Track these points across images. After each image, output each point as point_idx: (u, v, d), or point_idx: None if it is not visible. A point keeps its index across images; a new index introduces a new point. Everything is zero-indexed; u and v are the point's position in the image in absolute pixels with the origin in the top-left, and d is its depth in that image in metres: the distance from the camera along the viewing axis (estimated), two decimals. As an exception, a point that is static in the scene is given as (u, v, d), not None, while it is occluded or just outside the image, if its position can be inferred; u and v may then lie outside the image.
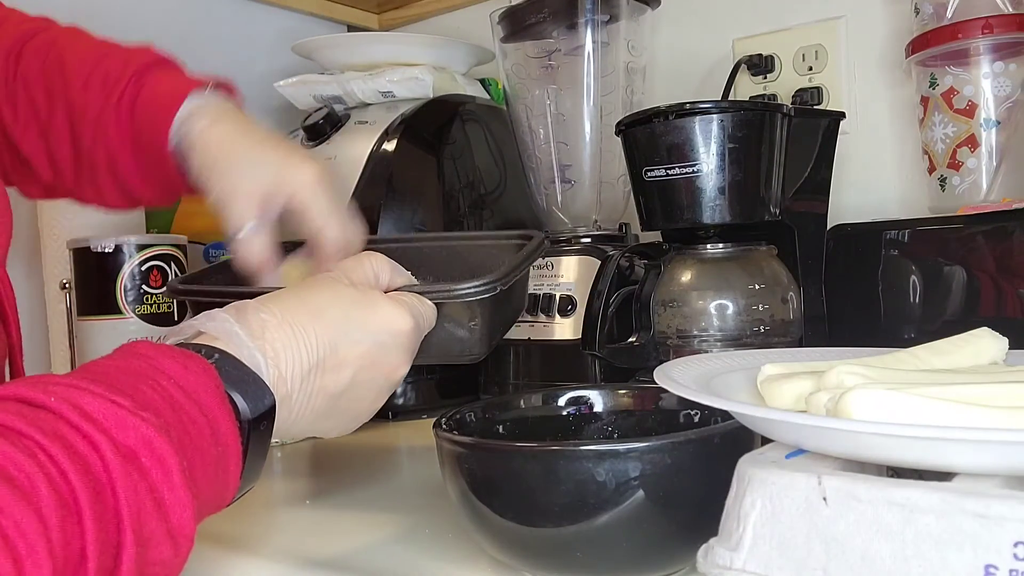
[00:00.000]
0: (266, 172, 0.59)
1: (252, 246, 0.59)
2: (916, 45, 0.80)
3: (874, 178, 0.97)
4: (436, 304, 0.53)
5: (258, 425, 0.41)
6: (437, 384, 0.93)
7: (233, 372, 0.41)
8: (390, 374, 0.49)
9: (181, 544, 0.35)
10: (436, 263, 0.68)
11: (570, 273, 0.86)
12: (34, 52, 0.64)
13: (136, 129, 0.61)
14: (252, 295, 0.47)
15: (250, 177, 0.59)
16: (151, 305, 0.89)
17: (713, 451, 0.41)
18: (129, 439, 0.33)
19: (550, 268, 0.87)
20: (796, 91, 1.00)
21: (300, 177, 0.59)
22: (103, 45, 0.64)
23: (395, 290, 0.53)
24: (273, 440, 0.43)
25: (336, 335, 0.46)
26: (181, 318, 0.91)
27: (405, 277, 0.55)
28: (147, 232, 1.01)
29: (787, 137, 0.71)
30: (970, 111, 0.79)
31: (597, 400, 0.56)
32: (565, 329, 0.85)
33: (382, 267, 0.53)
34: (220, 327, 0.43)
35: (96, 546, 0.31)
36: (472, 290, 0.54)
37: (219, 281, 0.64)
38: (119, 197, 0.66)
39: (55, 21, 0.67)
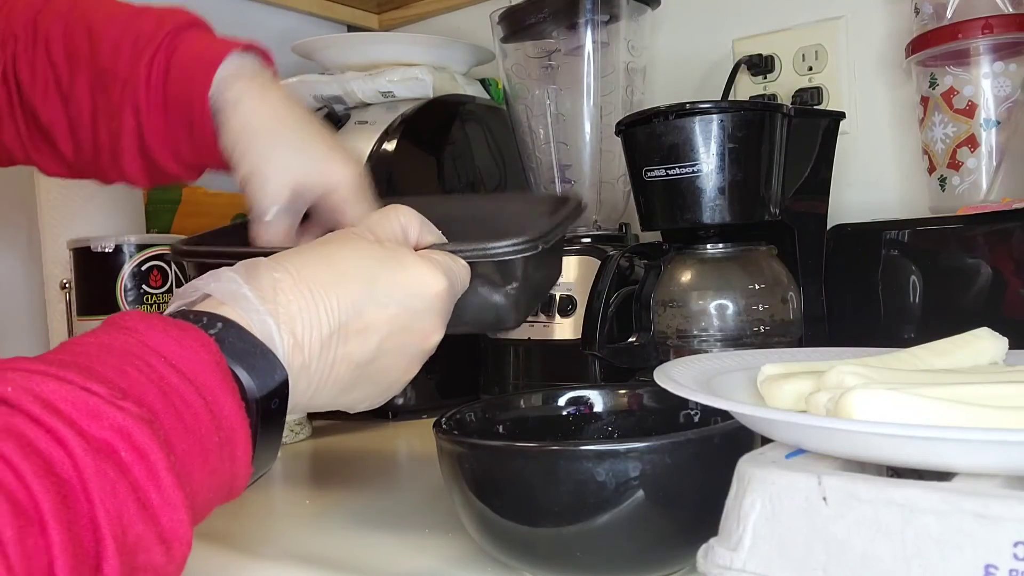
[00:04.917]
0: (308, 161, 0.56)
1: (275, 230, 0.55)
2: (916, 45, 0.80)
3: (874, 178, 0.97)
4: (470, 264, 0.49)
5: (268, 403, 0.37)
6: (437, 384, 0.93)
7: (238, 344, 0.37)
8: (422, 341, 0.45)
9: (175, 549, 0.31)
10: (461, 227, 0.62)
11: (570, 273, 0.86)
12: (55, 13, 0.60)
13: (170, 89, 0.57)
14: (265, 255, 0.43)
15: (290, 161, 0.55)
16: (151, 305, 0.89)
17: (713, 451, 0.41)
18: (104, 432, 0.30)
19: (550, 268, 0.87)
20: (796, 91, 1.00)
21: (341, 176, 0.56)
22: (131, 6, 0.60)
23: (424, 249, 0.48)
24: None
25: (361, 297, 0.42)
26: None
27: (435, 235, 0.50)
28: (147, 232, 1.01)
29: (787, 137, 0.71)
30: (970, 111, 0.79)
31: (597, 400, 0.56)
32: (565, 329, 0.85)
33: (410, 222, 0.49)
34: (226, 289, 0.39)
35: (67, 558, 0.27)
36: (512, 248, 0.49)
37: (230, 244, 0.59)
38: (142, 170, 0.61)
39: None
